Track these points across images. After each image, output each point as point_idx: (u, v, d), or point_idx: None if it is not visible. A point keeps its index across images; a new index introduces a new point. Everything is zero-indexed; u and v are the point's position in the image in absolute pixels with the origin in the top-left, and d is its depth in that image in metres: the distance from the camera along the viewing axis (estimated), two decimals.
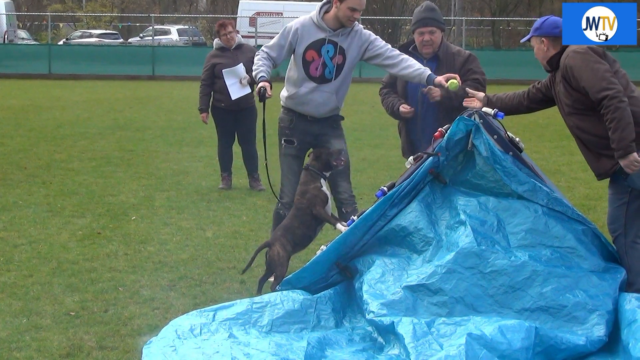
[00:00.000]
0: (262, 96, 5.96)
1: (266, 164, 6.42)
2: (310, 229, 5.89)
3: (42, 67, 31.07)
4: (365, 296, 4.93)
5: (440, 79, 5.85)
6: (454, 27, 39.40)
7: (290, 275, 5.34)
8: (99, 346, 5.00)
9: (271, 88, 5.97)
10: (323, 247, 5.36)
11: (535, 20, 5.63)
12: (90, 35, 41.53)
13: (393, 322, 4.64)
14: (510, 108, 5.57)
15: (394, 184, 5.39)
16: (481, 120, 5.24)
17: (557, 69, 5.21)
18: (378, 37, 6.24)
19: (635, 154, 4.91)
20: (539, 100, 5.53)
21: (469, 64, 6.26)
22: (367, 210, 5.27)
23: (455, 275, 4.83)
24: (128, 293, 6.00)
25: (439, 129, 5.39)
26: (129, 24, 48.87)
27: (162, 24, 46.33)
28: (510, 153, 5.20)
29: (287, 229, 5.82)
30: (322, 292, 5.13)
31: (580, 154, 5.38)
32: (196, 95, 10.22)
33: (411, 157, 5.49)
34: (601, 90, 4.93)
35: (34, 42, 41.34)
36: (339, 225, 5.68)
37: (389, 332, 4.69)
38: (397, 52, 6.13)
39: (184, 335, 4.73)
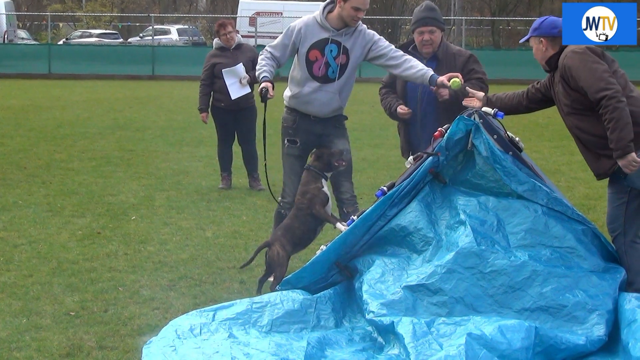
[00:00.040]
0: (264, 96, 5.96)
1: (265, 165, 6.42)
2: (311, 229, 5.89)
3: (42, 67, 31.07)
4: (365, 296, 4.92)
5: (442, 78, 5.85)
6: (453, 27, 39.41)
7: (290, 275, 5.34)
8: (99, 346, 5.00)
9: (273, 88, 5.97)
10: (323, 247, 5.35)
11: (535, 20, 5.63)
12: (90, 35, 41.52)
13: (393, 322, 4.64)
14: (510, 108, 5.57)
15: (394, 184, 5.38)
16: (481, 120, 5.24)
17: (556, 69, 5.20)
18: (382, 37, 6.23)
19: (633, 154, 4.90)
20: (538, 100, 5.53)
21: (471, 64, 6.25)
22: (367, 210, 5.26)
23: (455, 275, 4.82)
24: (128, 293, 6.00)
25: (439, 129, 5.39)
26: (129, 23, 48.88)
27: (162, 24, 46.34)
28: (510, 153, 5.20)
29: (287, 229, 5.82)
30: (322, 292, 5.13)
31: (580, 153, 5.38)
32: (196, 95, 10.22)
33: (411, 157, 5.48)
34: (599, 91, 4.93)
35: (34, 42, 41.33)
36: (339, 225, 5.68)
37: (388, 332, 4.68)
38: (401, 52, 6.12)
39: (183, 335, 4.73)
